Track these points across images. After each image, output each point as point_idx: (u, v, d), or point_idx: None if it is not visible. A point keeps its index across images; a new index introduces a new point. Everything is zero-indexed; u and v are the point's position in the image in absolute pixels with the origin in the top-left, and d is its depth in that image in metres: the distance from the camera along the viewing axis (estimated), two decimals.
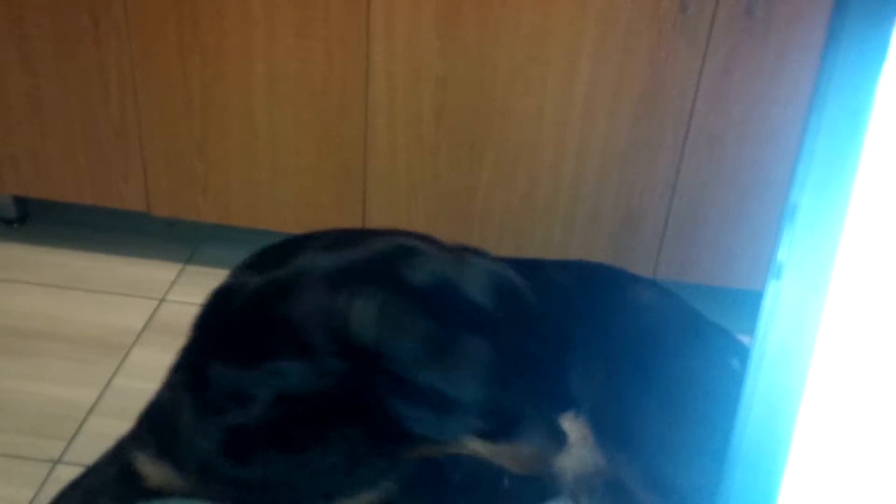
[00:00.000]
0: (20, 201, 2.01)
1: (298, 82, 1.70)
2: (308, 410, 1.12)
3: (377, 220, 1.82)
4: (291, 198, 1.83)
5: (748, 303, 1.70)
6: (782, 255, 0.58)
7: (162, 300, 1.86)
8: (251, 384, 1.13)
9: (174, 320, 1.81)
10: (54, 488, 1.35)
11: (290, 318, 1.10)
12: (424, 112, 1.69)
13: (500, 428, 1.14)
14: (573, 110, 1.66)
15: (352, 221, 1.83)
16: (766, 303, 0.59)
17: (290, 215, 1.86)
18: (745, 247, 1.75)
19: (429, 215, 1.80)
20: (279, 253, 1.24)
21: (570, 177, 1.73)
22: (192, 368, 1.24)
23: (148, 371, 1.66)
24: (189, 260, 1.98)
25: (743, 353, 1.45)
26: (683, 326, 1.44)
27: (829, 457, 0.63)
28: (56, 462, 1.45)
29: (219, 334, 1.20)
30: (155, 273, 1.93)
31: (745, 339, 1.51)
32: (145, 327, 1.78)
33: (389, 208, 1.81)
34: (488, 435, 1.14)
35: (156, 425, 1.30)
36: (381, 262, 1.12)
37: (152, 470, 1.28)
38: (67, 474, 1.39)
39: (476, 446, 1.16)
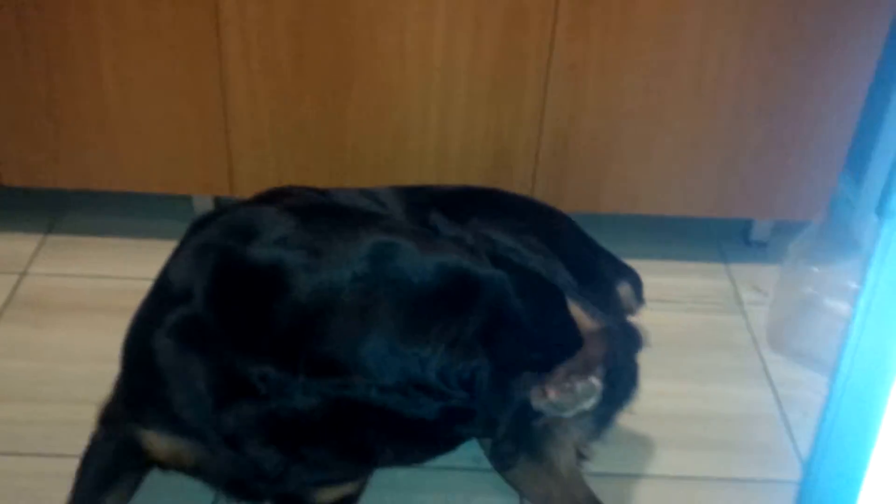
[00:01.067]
0: None
1: (144, 34, 1.61)
2: (361, 415, 1.15)
3: (246, 173, 1.77)
4: (153, 156, 1.75)
5: (616, 228, 1.75)
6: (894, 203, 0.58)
7: (23, 274, 1.77)
8: (309, 389, 1.12)
9: (39, 294, 1.72)
10: None
11: (360, 356, 1.12)
12: (282, 58, 1.63)
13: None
14: (435, 46, 1.63)
15: (219, 176, 1.77)
16: (880, 246, 0.59)
17: (154, 175, 1.78)
18: (613, 173, 1.78)
19: (298, 165, 1.76)
20: (319, 226, 1.20)
21: (438, 116, 1.71)
22: (220, 360, 1.15)
23: (14, 348, 1.59)
24: (50, 229, 1.88)
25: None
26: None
27: None
28: None
29: (263, 331, 1.14)
30: (13, 246, 1.83)
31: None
32: (7, 303, 1.69)
33: (257, 160, 1.76)
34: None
35: (164, 402, 1.19)
36: (446, 299, 1.15)
37: (160, 444, 1.21)
38: None
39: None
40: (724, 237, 1.99)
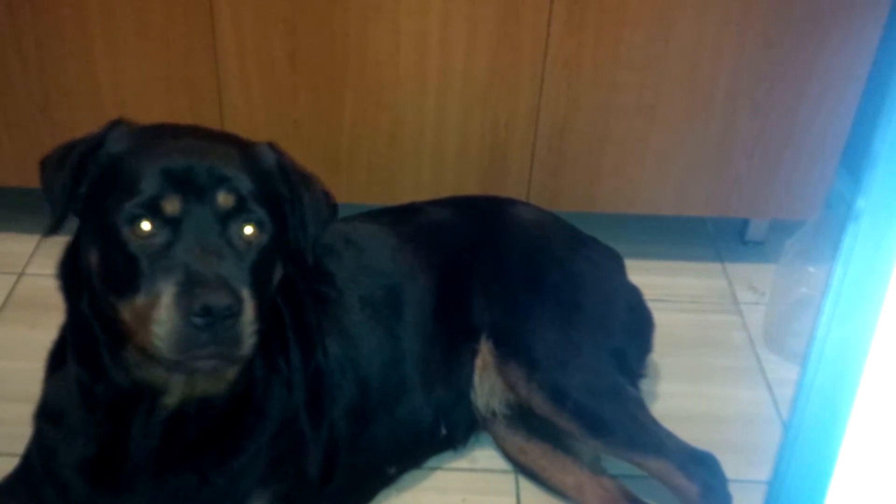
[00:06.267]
0: None
1: (139, 32, 1.61)
2: None
3: None
4: None
5: (612, 227, 1.75)
6: (861, 202, 0.61)
7: (21, 274, 1.77)
8: None
9: (35, 294, 1.73)
10: None
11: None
12: (277, 56, 1.63)
13: None
14: (430, 45, 1.63)
15: None
16: (845, 244, 0.61)
17: None
18: (608, 171, 1.77)
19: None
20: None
21: (433, 114, 1.71)
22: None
23: (11, 348, 1.59)
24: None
25: (618, 261, 1.52)
26: (564, 236, 1.50)
27: None
28: None
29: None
30: (11, 246, 1.83)
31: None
32: (5, 303, 1.69)
33: None
34: None
35: None
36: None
37: None
38: None
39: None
40: (720, 236, 1.98)
